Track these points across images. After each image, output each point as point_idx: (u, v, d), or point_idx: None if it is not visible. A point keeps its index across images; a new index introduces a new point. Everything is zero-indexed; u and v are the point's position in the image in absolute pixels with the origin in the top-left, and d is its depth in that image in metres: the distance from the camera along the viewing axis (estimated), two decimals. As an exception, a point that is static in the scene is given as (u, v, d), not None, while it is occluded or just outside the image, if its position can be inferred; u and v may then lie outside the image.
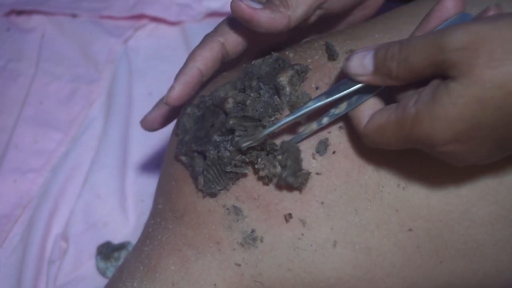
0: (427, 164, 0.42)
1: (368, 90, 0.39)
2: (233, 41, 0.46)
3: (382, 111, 0.38)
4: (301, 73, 0.44)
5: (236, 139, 0.42)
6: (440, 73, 0.34)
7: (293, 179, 0.41)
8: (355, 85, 0.39)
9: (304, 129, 0.43)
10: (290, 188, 0.43)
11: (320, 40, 0.47)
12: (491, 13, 0.36)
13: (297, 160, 0.42)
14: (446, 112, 0.33)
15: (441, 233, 0.43)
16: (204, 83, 0.47)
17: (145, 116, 0.51)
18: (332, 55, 0.44)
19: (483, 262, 0.44)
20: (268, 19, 0.42)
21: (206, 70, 0.45)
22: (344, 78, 0.39)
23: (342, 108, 0.41)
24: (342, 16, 0.49)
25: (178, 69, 0.78)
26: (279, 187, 0.43)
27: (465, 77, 0.32)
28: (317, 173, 0.43)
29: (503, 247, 0.44)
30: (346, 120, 0.43)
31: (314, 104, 0.40)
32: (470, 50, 0.32)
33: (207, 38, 0.46)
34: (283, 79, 0.43)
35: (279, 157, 0.42)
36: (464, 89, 0.32)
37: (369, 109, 0.39)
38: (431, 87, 0.35)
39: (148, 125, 0.52)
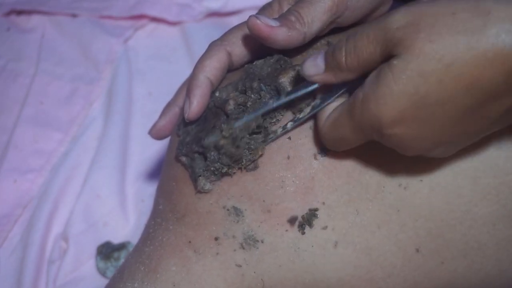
0: (428, 163, 0.42)
1: (330, 93, 0.40)
2: (239, 53, 0.46)
3: (337, 107, 0.39)
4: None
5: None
6: (387, 57, 0.35)
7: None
8: (312, 86, 0.40)
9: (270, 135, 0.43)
10: (291, 188, 0.43)
11: (322, 39, 0.47)
12: None
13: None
14: (390, 89, 0.34)
15: (442, 233, 0.43)
16: None
17: (155, 125, 0.51)
18: None
19: (485, 262, 0.44)
20: (285, 36, 0.42)
21: (215, 80, 0.45)
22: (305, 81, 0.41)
23: (305, 112, 0.42)
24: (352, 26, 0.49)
25: (178, 69, 0.79)
26: (279, 187, 0.43)
27: (407, 52, 0.33)
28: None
29: (505, 247, 0.44)
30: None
31: (273, 104, 0.42)
32: (412, 26, 0.33)
33: (213, 47, 0.46)
34: (284, 80, 0.43)
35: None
36: (406, 64, 0.33)
37: (330, 110, 0.40)
38: (376, 70, 0.35)
39: (160, 133, 0.51)
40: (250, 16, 0.42)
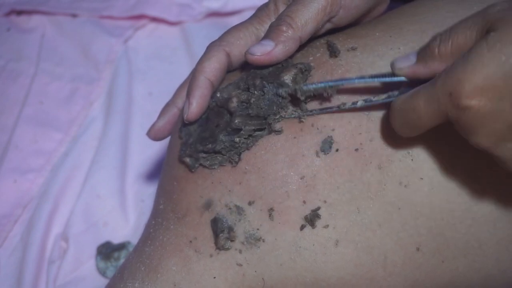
0: (429, 162, 0.42)
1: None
2: (238, 53, 0.46)
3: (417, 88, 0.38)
4: (305, 71, 0.44)
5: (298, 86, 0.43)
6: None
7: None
8: (400, 77, 0.40)
9: (334, 105, 0.43)
10: (293, 186, 0.43)
11: (321, 39, 0.47)
12: None
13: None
14: (481, 54, 0.33)
15: (442, 231, 0.43)
16: None
17: (153, 126, 0.51)
18: (334, 52, 0.45)
19: (485, 261, 0.44)
20: (284, 52, 0.43)
21: (216, 81, 0.46)
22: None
23: (380, 98, 0.42)
24: (349, 26, 0.49)
25: (178, 69, 0.79)
26: (282, 186, 0.43)
27: (506, 26, 0.33)
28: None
29: (505, 246, 0.44)
30: (351, 117, 0.43)
31: (359, 80, 0.42)
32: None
33: (212, 48, 0.46)
34: (287, 77, 0.43)
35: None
36: (503, 35, 0.33)
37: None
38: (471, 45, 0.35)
39: (158, 134, 0.51)
40: (245, 53, 0.43)
